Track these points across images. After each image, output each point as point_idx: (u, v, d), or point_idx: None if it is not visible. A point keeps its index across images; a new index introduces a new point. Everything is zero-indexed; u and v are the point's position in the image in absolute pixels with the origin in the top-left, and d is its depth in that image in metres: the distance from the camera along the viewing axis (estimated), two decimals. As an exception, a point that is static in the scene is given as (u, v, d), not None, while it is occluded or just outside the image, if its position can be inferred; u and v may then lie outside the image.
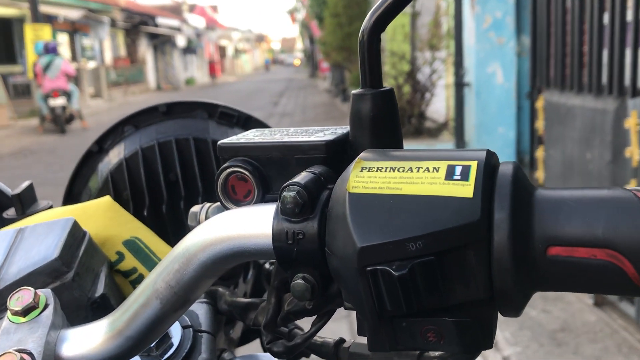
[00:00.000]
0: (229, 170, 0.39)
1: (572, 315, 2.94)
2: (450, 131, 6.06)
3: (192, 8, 39.20)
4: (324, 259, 0.32)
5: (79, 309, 0.41)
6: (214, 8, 50.12)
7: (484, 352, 2.67)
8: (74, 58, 17.42)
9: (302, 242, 0.32)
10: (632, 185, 2.65)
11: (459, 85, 5.25)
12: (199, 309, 0.47)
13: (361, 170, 0.32)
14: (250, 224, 0.34)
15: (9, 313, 0.36)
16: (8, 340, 0.35)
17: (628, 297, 2.75)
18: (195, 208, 0.43)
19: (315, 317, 0.38)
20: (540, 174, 3.79)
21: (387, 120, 0.38)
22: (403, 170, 0.31)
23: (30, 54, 11.49)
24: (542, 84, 3.67)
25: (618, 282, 0.29)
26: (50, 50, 11.14)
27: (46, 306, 0.37)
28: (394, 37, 6.76)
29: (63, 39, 17.01)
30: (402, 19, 8.22)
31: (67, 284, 0.41)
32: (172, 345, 0.43)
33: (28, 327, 0.35)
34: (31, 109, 14.23)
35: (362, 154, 0.34)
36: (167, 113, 0.63)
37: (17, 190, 0.53)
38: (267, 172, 0.38)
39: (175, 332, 0.45)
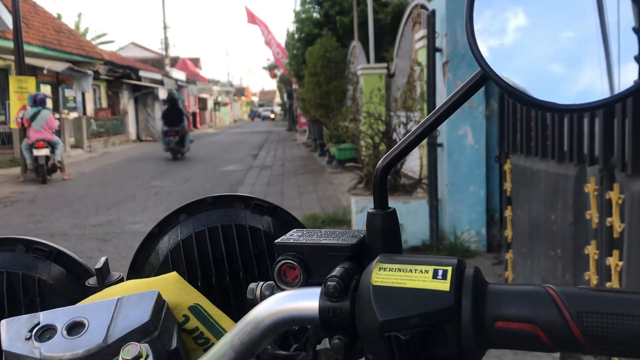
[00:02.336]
0: (283, 261, 0.56)
1: (540, 368, 3.08)
2: (424, 188, 6.28)
3: (175, 62, 39.75)
4: (353, 326, 0.49)
5: (161, 358, 0.55)
6: (196, 61, 50.86)
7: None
8: (56, 109, 17.53)
9: (339, 315, 0.50)
10: (592, 245, 2.86)
11: (432, 146, 5.50)
12: None
13: (379, 270, 0.50)
14: (302, 302, 0.51)
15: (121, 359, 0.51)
16: None
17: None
18: (252, 285, 0.59)
19: None
20: (509, 233, 3.99)
21: (391, 231, 0.56)
22: (405, 271, 0.49)
23: (14, 104, 11.62)
24: (509, 148, 3.91)
25: (535, 344, 0.47)
26: (39, 102, 11.37)
27: (147, 356, 0.52)
28: (370, 100, 7.06)
29: (46, 90, 17.14)
30: (378, 82, 8.57)
31: (154, 340, 0.55)
32: None
33: None
34: (12, 158, 14.24)
35: (379, 258, 0.51)
36: (213, 204, 0.80)
37: (99, 265, 0.69)
38: (309, 263, 0.56)
39: None
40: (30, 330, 0.55)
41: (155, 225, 0.79)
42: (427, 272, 0.49)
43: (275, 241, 0.58)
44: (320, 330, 0.55)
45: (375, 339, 0.47)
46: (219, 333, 0.63)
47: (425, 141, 6.33)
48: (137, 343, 0.52)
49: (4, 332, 0.56)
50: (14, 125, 11.79)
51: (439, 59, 5.39)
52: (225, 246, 0.76)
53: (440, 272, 0.48)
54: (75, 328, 0.56)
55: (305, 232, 0.60)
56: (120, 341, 0.54)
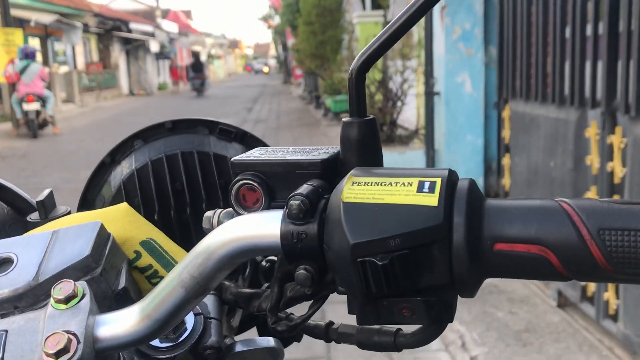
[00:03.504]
0: (241, 182, 0.47)
1: (537, 316, 3.06)
2: (421, 139, 6.19)
3: (166, 13, 38.95)
4: (322, 254, 0.41)
5: (105, 299, 0.47)
6: (188, 14, 49.88)
7: (452, 351, 2.76)
8: (45, 62, 17.22)
9: (305, 240, 0.41)
10: (592, 192, 2.78)
11: (429, 94, 5.38)
12: (208, 299, 0.54)
13: (352, 184, 0.41)
14: (261, 226, 0.42)
15: (52, 301, 0.43)
16: (54, 324, 0.42)
17: (588, 298, 2.88)
18: (208, 213, 0.51)
19: (311, 302, 0.46)
20: (506, 181, 3.92)
21: (370, 143, 0.47)
22: (384, 185, 0.40)
23: (1, 58, 11.36)
24: (508, 95, 3.80)
25: (546, 270, 0.38)
26: (30, 55, 11.11)
27: (83, 296, 0.43)
28: (366, 46, 6.89)
29: (35, 43, 16.79)
30: (374, 29, 8.36)
31: (96, 278, 0.48)
32: (186, 329, 0.50)
33: (70, 313, 0.42)
34: (1, 113, 14.03)
35: (352, 171, 0.42)
36: (172, 129, 0.70)
37: (41, 197, 0.60)
38: (272, 183, 0.47)
39: (189, 318, 0.52)
40: None
41: (107, 154, 0.70)
42: (411, 185, 0.40)
43: (232, 159, 0.49)
44: (285, 262, 0.46)
45: (346, 266, 0.39)
46: None
47: (422, 90, 6.19)
48: (71, 280, 0.43)
49: None
50: (2, 79, 11.54)
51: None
52: (187, 176, 0.67)
53: (426, 185, 0.39)
54: (2, 265, 0.47)
55: (269, 149, 0.51)
56: (53, 279, 0.46)
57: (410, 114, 6.77)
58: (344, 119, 0.48)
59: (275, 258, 0.60)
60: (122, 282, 0.50)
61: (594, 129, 2.73)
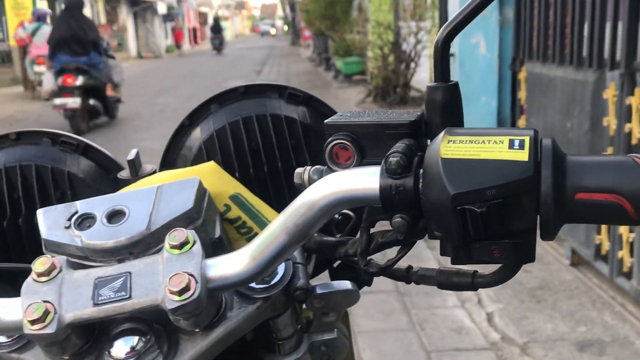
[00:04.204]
0: (335, 142, 0.52)
1: (550, 274, 3.14)
2: (435, 100, 6.19)
3: (172, -26, 38.42)
4: (417, 204, 0.46)
5: (205, 247, 0.52)
6: (194, -26, 49.14)
7: (469, 308, 2.84)
8: (53, 25, 17.11)
9: (402, 192, 0.46)
10: (608, 152, 2.82)
11: (444, 56, 5.36)
12: None
13: (448, 142, 0.46)
14: (361, 180, 0.48)
15: (167, 247, 0.49)
16: (173, 266, 0.48)
17: (602, 256, 2.95)
18: (299, 170, 0.56)
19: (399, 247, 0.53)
20: (522, 142, 3.95)
21: (453, 106, 0.53)
22: (477, 142, 0.45)
23: (11, 21, 11.34)
24: (524, 56, 3.80)
25: (620, 216, 0.44)
26: (42, 18, 11.09)
27: (194, 242, 0.49)
28: (379, 8, 6.83)
29: (43, 5, 16.68)
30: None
31: (197, 228, 0.53)
32: (278, 273, 0.55)
33: (185, 257, 0.48)
34: (13, 77, 14.04)
35: (445, 131, 0.47)
36: (245, 93, 0.76)
37: (130, 157, 0.65)
38: (363, 143, 0.52)
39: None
40: (69, 219, 0.53)
41: (186, 117, 0.75)
42: (502, 143, 0.45)
43: (325, 121, 0.54)
44: (374, 212, 0.52)
45: (445, 214, 0.44)
46: (261, 222, 0.61)
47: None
48: (183, 229, 0.49)
49: (42, 221, 0.54)
50: (13, 42, 11.54)
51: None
52: (261, 137, 0.73)
53: (517, 142, 0.45)
54: (115, 216, 0.53)
55: (355, 113, 0.56)
56: (163, 228, 0.52)
57: (423, 76, 6.75)
58: (428, 84, 0.53)
59: (348, 212, 0.66)
60: (218, 232, 0.56)
61: (612, 90, 2.75)
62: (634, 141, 2.63)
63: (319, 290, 0.58)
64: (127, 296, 0.47)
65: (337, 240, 0.58)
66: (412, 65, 6.24)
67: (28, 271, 0.60)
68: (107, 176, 0.72)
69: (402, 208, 0.47)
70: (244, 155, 0.73)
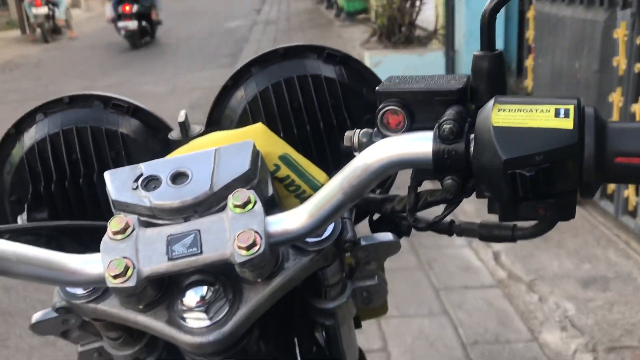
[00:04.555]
0: (387, 108, 0.56)
1: (556, 213, 3.20)
2: (439, 40, 6.12)
3: None
4: (467, 167, 0.50)
5: (262, 205, 0.56)
6: None
7: (475, 247, 2.92)
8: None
9: (454, 156, 0.50)
10: (617, 93, 2.83)
11: (450, -6, 5.27)
12: None
13: (498, 111, 0.49)
14: (414, 145, 0.51)
15: (231, 206, 0.53)
16: (238, 224, 0.52)
17: (607, 195, 3.00)
18: (349, 133, 0.60)
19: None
20: (529, 82, 3.94)
21: (498, 74, 0.55)
22: (525, 111, 0.49)
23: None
24: (534, -6, 3.75)
25: None
26: None
27: (255, 202, 0.53)
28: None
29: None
30: None
31: (254, 187, 0.57)
32: (329, 227, 0.58)
33: (249, 215, 0.52)
34: (8, 20, 13.81)
35: (496, 99, 0.50)
36: (284, 55, 0.78)
37: (181, 119, 0.69)
38: (413, 108, 0.56)
39: None
40: (136, 181, 0.57)
41: (229, 78, 0.78)
42: (549, 112, 0.48)
43: (377, 88, 0.58)
44: (422, 173, 0.56)
45: (496, 177, 0.48)
46: (309, 180, 0.65)
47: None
48: (244, 190, 0.53)
49: (109, 183, 0.58)
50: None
51: None
52: (302, 97, 0.76)
53: (562, 111, 0.48)
54: (178, 178, 0.57)
55: (402, 78, 0.59)
56: (224, 189, 0.56)
57: (428, 14, 6.64)
58: (475, 53, 0.56)
59: None
60: (270, 190, 0.60)
61: (622, 30, 2.73)
62: (643, 82, 2.64)
63: (363, 242, 0.62)
64: (199, 251, 0.52)
65: (383, 197, 0.62)
66: (418, 3, 6.13)
67: (94, 228, 0.64)
68: (157, 136, 0.76)
69: (453, 170, 0.51)
70: (287, 115, 0.76)
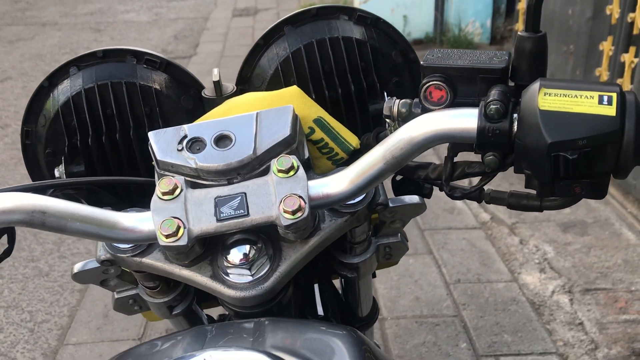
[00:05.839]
0: (431, 82, 0.58)
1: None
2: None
3: None
4: (509, 145, 0.53)
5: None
6: None
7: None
8: None
9: (498, 135, 0.53)
10: (608, 42, 2.85)
11: None
12: None
13: (544, 95, 0.52)
14: (459, 121, 0.54)
15: (275, 170, 0.55)
16: (283, 188, 0.55)
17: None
18: (388, 102, 0.62)
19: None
20: (520, 26, 3.93)
21: (540, 56, 0.57)
22: (570, 97, 0.51)
23: None
24: None
25: None
26: None
27: (298, 167, 0.56)
28: None
29: None
30: None
31: (293, 150, 0.60)
32: None
33: (293, 180, 0.55)
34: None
35: (540, 83, 0.53)
36: (316, 15, 0.79)
37: (215, 78, 0.70)
38: (455, 84, 0.58)
39: None
40: (180, 142, 0.59)
41: (260, 37, 0.79)
42: (593, 98, 0.51)
43: (422, 62, 0.60)
44: (460, 145, 0.59)
45: (539, 157, 0.51)
46: (341, 144, 0.68)
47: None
48: (288, 156, 0.56)
49: (154, 143, 0.60)
50: None
51: None
52: (334, 58, 0.77)
53: (605, 98, 0.51)
54: (222, 140, 0.59)
55: (444, 52, 0.61)
56: (267, 152, 0.58)
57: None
58: (519, 33, 0.58)
59: None
60: (306, 153, 0.63)
61: (618, -23, 2.73)
62: (635, 31, 2.66)
63: (392, 204, 0.66)
64: (246, 213, 0.55)
65: (416, 163, 0.65)
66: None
67: (131, 184, 0.67)
68: (188, 92, 0.77)
69: (494, 147, 0.54)
70: (318, 77, 0.77)
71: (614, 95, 0.51)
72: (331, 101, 0.77)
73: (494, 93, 0.54)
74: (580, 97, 0.51)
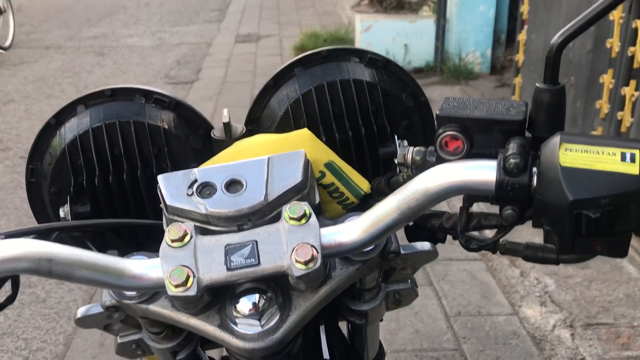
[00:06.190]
0: (447, 132, 0.57)
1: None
2: (430, 6, 6.07)
3: None
4: (528, 200, 0.52)
5: None
6: None
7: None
8: None
9: (517, 189, 0.52)
10: (609, 74, 2.87)
11: (445, -39, 5.21)
12: None
13: (565, 150, 0.51)
14: (478, 173, 0.53)
15: (287, 218, 0.54)
16: (295, 237, 0.53)
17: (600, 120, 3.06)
18: (402, 150, 0.61)
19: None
20: (520, 57, 3.96)
21: (558, 109, 0.57)
22: (592, 152, 0.50)
23: None
24: (531, -32, 3.73)
25: None
26: None
27: (310, 215, 0.55)
28: None
29: None
30: None
31: (304, 197, 0.59)
32: None
33: (305, 229, 0.54)
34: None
35: (562, 138, 0.51)
36: (327, 57, 0.79)
37: (225, 120, 0.70)
38: (472, 134, 0.57)
39: None
40: (190, 187, 0.58)
41: (271, 79, 0.79)
42: (615, 155, 0.50)
43: (438, 112, 0.58)
44: (475, 196, 0.58)
45: (560, 214, 0.50)
46: (352, 188, 0.67)
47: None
48: (300, 203, 0.55)
49: (163, 187, 0.59)
50: None
51: None
52: (344, 101, 0.76)
53: (628, 156, 0.50)
54: (233, 185, 0.58)
55: (460, 101, 0.60)
56: (278, 199, 0.57)
57: (420, -20, 6.57)
58: (537, 85, 0.57)
59: None
60: (317, 198, 0.62)
61: (619, 12, 2.75)
62: (636, 65, 2.68)
63: (404, 251, 0.65)
64: (257, 262, 0.54)
65: (430, 212, 0.64)
66: (410, -33, 6.06)
67: (141, 227, 0.66)
68: (197, 132, 0.76)
69: (513, 201, 0.53)
70: (328, 119, 0.76)
71: (637, 152, 0.50)
72: (341, 144, 0.77)
73: (512, 146, 0.53)
74: (602, 154, 0.50)
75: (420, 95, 0.81)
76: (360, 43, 5.55)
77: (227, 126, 0.70)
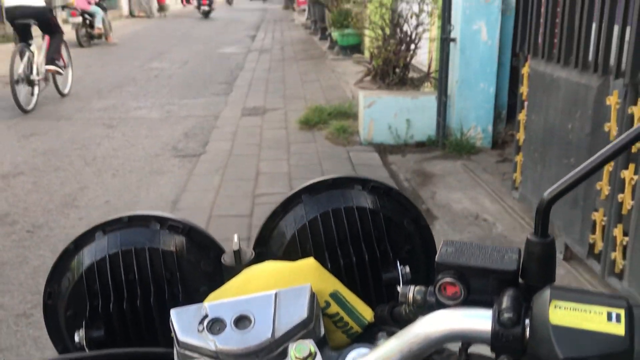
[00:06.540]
0: (445, 279, 0.60)
1: (544, 269, 3.26)
2: (432, 82, 6.25)
3: None
4: (522, 350, 0.54)
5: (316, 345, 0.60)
6: None
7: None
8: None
9: (511, 340, 0.54)
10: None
11: (445, 41, 5.39)
12: None
13: (555, 307, 0.53)
14: (474, 322, 0.56)
15: (293, 356, 0.57)
16: None
17: (595, 255, 3.08)
18: (404, 289, 0.64)
19: None
20: (521, 136, 4.04)
21: (548, 261, 0.59)
22: (579, 311, 0.53)
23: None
24: (529, 52, 3.85)
25: None
26: None
27: (315, 353, 0.57)
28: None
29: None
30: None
31: (310, 331, 0.61)
32: None
33: None
34: (3, 33, 13.84)
35: (551, 293, 0.54)
36: (332, 185, 0.84)
37: (235, 247, 0.73)
38: (469, 281, 0.60)
39: None
40: (201, 322, 0.61)
41: (279, 205, 0.83)
42: (602, 314, 0.53)
43: (436, 259, 0.61)
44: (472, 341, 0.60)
45: None
46: (357, 319, 0.69)
47: (437, 35, 6.18)
48: (306, 341, 0.58)
49: (176, 322, 0.61)
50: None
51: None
52: (348, 228, 0.80)
53: (614, 316, 0.52)
54: (241, 321, 0.61)
55: (457, 246, 0.63)
56: (285, 336, 0.60)
57: (422, 58, 6.79)
58: (529, 237, 0.60)
59: None
60: (322, 330, 0.64)
61: (615, 98, 2.83)
62: (634, 150, 2.73)
63: None
64: None
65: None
66: (413, 47, 6.26)
67: (150, 355, 0.68)
68: (208, 256, 0.80)
69: (506, 351, 0.56)
70: (333, 245, 0.80)
71: (622, 312, 0.53)
72: (345, 269, 0.79)
73: (506, 300, 0.56)
74: (590, 313, 0.53)
75: (421, 220, 0.84)
76: (363, 118, 5.68)
77: (237, 253, 0.73)
